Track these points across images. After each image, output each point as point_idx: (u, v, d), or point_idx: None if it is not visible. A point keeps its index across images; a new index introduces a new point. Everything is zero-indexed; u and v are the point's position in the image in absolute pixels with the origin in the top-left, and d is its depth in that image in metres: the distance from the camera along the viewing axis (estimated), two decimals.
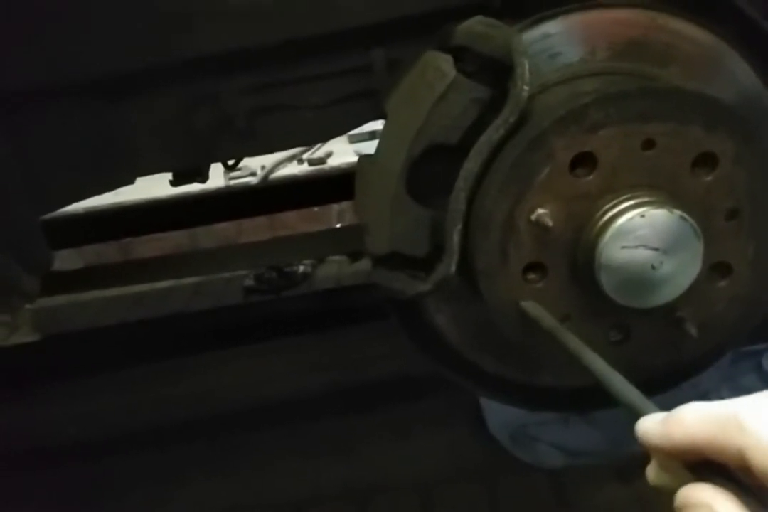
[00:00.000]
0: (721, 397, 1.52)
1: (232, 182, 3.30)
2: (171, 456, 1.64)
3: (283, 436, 1.68)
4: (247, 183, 3.32)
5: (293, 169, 3.47)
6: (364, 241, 0.86)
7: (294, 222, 2.92)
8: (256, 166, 3.45)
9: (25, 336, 2.13)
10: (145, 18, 0.96)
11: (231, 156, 1.30)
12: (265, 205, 2.64)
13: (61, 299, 2.17)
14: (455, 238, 0.79)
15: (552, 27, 0.86)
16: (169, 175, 1.32)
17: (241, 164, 3.54)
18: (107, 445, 1.65)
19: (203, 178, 1.34)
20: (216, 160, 1.27)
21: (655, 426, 0.42)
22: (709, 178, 0.78)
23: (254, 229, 2.92)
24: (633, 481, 1.43)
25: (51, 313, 2.30)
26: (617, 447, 1.49)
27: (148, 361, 1.84)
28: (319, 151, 3.57)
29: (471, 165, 0.78)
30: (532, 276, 0.79)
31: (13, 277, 0.99)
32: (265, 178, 3.35)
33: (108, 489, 1.56)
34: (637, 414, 0.47)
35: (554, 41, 0.86)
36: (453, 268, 0.80)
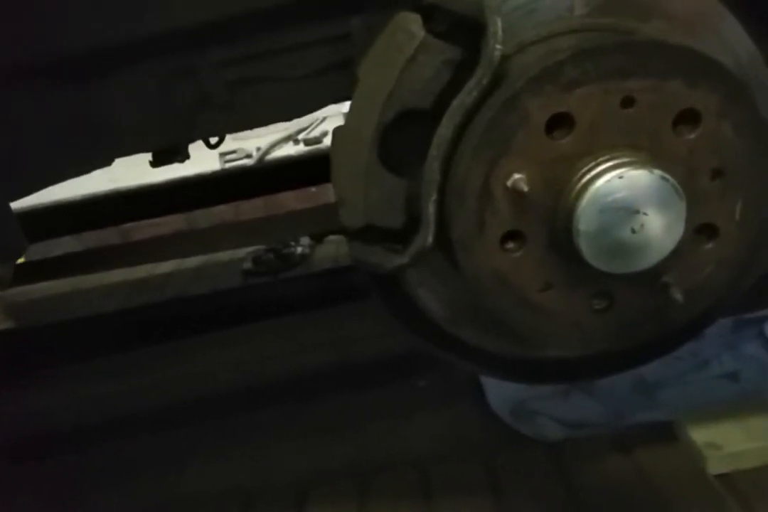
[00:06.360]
0: (723, 365, 1.48)
1: (228, 165, 3.28)
2: (172, 439, 1.65)
3: (284, 416, 1.68)
4: (243, 165, 3.31)
5: (289, 150, 3.45)
6: (338, 214, 0.84)
7: (291, 202, 2.90)
8: (251, 148, 3.43)
9: None
10: None
11: (212, 132, 1.28)
12: (262, 186, 2.64)
13: (48, 286, 2.18)
14: (431, 208, 0.76)
15: None
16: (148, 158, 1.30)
17: (237, 146, 3.54)
18: (105, 431, 1.66)
19: (183, 156, 1.32)
20: (197, 137, 1.25)
21: None
22: (692, 136, 0.74)
23: (251, 211, 2.91)
24: (633, 452, 1.41)
25: (28, 302, 2.31)
26: (618, 419, 1.48)
27: (143, 346, 1.84)
28: (315, 130, 3.54)
29: (444, 131, 0.75)
30: (510, 244, 0.76)
31: None
32: (261, 159, 3.34)
33: (109, 475, 1.56)
34: None
35: None
36: (430, 240, 0.77)
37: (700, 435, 1.39)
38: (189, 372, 1.88)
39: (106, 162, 1.14)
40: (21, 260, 2.40)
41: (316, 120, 3.52)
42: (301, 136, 3.52)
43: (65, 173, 1.10)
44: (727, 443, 1.35)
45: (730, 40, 0.85)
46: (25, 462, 1.58)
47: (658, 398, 1.50)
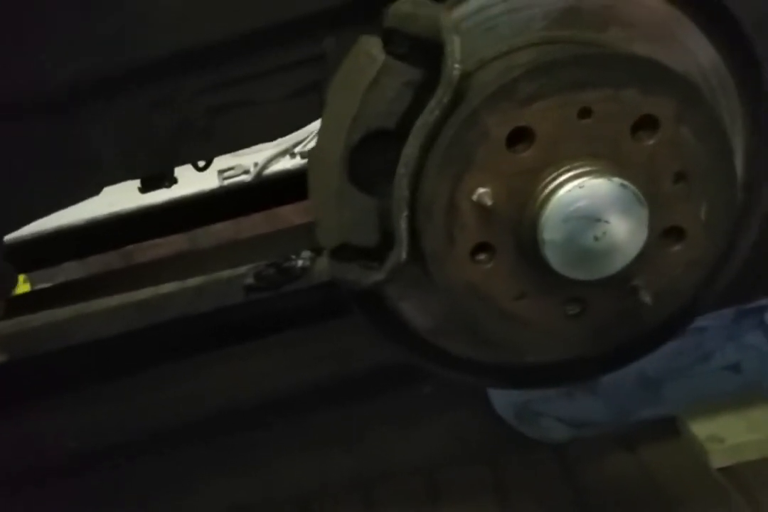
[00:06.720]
0: (726, 357, 1.49)
1: (227, 182, 3.31)
2: (176, 459, 1.65)
3: (287, 429, 1.68)
4: (241, 181, 3.33)
5: (286, 164, 3.47)
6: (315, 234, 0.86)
7: (291, 216, 2.92)
8: (249, 163, 3.45)
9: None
10: (91, 26, 0.95)
11: (195, 158, 1.29)
12: (261, 201, 2.65)
13: (47, 314, 2.20)
14: (402, 225, 0.78)
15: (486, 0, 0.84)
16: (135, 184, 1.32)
17: (235, 163, 3.56)
18: (110, 455, 1.67)
19: (170, 182, 1.35)
20: (180, 164, 1.27)
21: None
22: (651, 142, 0.76)
23: (252, 227, 2.93)
24: (636, 449, 1.42)
25: (27, 331, 2.32)
26: (622, 417, 1.48)
27: (144, 367, 1.85)
28: (311, 143, 3.56)
29: (410, 150, 0.77)
30: (481, 256, 0.78)
31: None
32: (259, 174, 3.36)
33: (115, 498, 1.57)
34: None
35: (489, 14, 0.84)
36: (404, 256, 0.79)
37: (702, 428, 1.39)
38: (186, 392, 1.88)
39: (94, 191, 1.15)
40: (26, 288, 2.43)
41: (312, 133, 3.54)
42: (297, 150, 3.54)
43: (53, 205, 1.11)
44: (729, 435, 1.36)
45: (690, 48, 0.87)
46: (28, 488, 1.58)
47: (662, 393, 1.50)
